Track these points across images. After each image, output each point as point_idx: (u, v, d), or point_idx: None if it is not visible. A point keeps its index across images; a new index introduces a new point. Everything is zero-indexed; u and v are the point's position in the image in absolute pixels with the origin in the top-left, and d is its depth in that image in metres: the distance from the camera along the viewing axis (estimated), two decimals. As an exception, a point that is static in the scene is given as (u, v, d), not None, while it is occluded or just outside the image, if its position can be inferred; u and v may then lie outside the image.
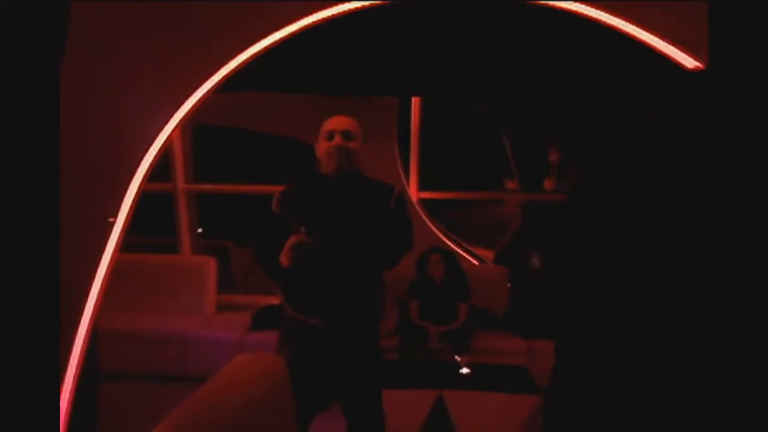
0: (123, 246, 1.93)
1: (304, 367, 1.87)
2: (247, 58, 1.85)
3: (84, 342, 1.94)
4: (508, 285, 4.13)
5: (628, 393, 1.23)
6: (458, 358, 3.30)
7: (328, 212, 1.95)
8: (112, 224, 1.74)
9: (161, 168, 4.62)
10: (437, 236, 4.53)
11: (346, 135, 1.99)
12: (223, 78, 1.80)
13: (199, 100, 1.76)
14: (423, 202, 4.64)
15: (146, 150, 1.79)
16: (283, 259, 1.84)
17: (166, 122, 1.74)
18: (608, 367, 1.28)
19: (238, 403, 1.24)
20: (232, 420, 1.18)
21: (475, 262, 4.56)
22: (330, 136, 1.99)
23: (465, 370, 3.21)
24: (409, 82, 3.55)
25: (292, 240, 1.83)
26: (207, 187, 4.89)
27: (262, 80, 3.15)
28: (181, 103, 1.74)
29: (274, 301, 3.83)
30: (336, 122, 2.01)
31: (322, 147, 2.01)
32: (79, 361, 1.93)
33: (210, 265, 4.37)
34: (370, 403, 2.00)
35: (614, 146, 1.36)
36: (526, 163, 5.57)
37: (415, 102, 4.53)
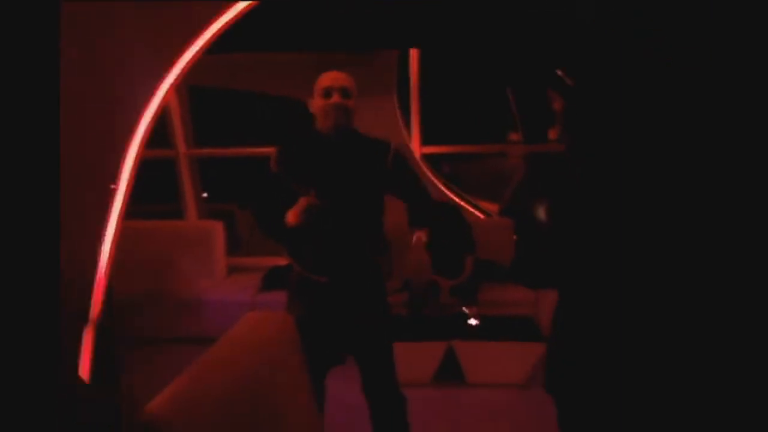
0: (129, 214, 1.94)
1: (314, 323, 1.90)
2: (237, 14, 1.80)
3: (98, 309, 1.97)
4: (514, 237, 4.14)
5: (628, 340, 1.24)
6: (466, 310, 3.35)
7: (327, 171, 1.94)
8: (114, 191, 1.75)
9: (162, 134, 4.60)
10: (441, 191, 4.52)
11: (344, 92, 1.94)
12: (213, 36, 1.76)
13: (190, 60, 1.72)
14: (426, 157, 4.61)
15: (142, 114, 1.77)
16: (291, 219, 1.85)
17: (158, 85, 1.71)
18: (608, 314, 1.29)
19: (247, 359, 1.27)
20: (243, 376, 1.21)
21: (480, 215, 4.56)
22: (327, 93, 1.94)
23: (473, 322, 3.26)
24: (405, 34, 3.46)
25: (304, 202, 1.83)
26: (208, 151, 4.87)
27: (255, 39, 3.08)
28: (173, 64, 1.70)
29: (282, 261, 3.88)
30: (333, 78, 1.95)
31: (318, 104, 1.96)
32: (95, 328, 1.97)
33: (217, 229, 4.40)
34: (382, 355, 2.04)
35: (616, 98, 1.33)
36: (530, 114, 5.49)
37: (413, 55, 4.44)
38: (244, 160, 4.94)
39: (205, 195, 5.17)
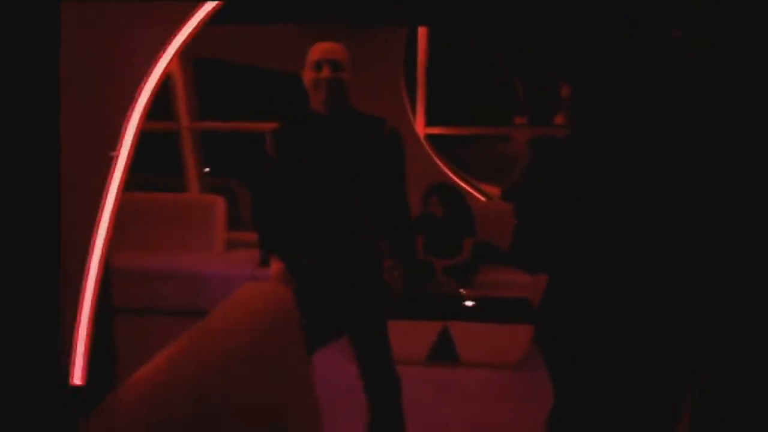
0: (131, 185, 1.94)
1: (307, 303, 1.91)
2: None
3: (96, 279, 1.98)
4: (514, 221, 4.14)
5: (618, 323, 1.26)
6: (463, 291, 3.37)
7: (320, 151, 1.90)
8: (115, 158, 1.75)
9: (166, 107, 4.58)
10: (444, 172, 4.51)
11: (335, 65, 1.85)
12: (216, 6, 1.73)
13: (193, 30, 1.70)
14: (430, 137, 4.59)
15: (144, 82, 1.76)
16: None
17: (161, 53, 1.70)
18: (601, 296, 1.30)
19: (242, 329, 1.28)
20: (237, 345, 1.22)
21: (481, 198, 4.56)
22: (318, 66, 1.86)
23: (469, 303, 3.28)
24: (415, 11, 3.42)
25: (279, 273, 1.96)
26: (211, 124, 4.85)
27: (263, 10, 3.05)
28: (175, 34, 1.68)
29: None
30: (323, 50, 1.87)
31: (308, 77, 1.89)
32: (92, 298, 1.98)
33: (218, 204, 4.41)
34: (376, 335, 2.04)
35: (621, 79, 1.33)
36: (536, 99, 5.45)
37: (422, 34, 4.39)
38: (247, 136, 4.92)
39: (207, 169, 5.18)
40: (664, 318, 1.21)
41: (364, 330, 2.03)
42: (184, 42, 1.66)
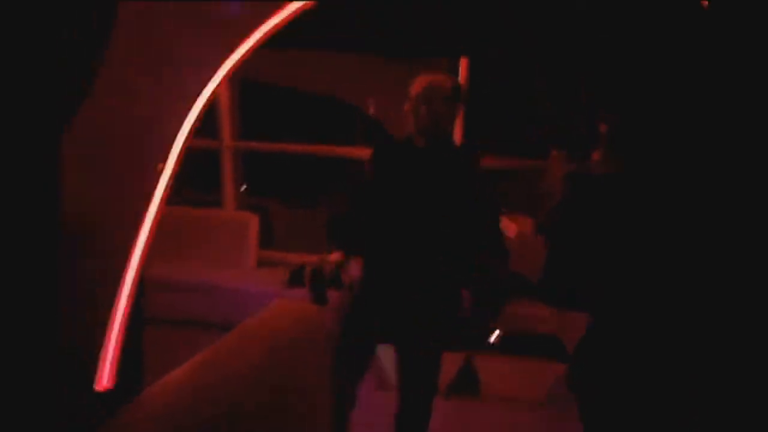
0: (170, 199, 2.00)
1: (357, 316, 1.89)
2: (295, 12, 1.85)
3: (131, 288, 2.03)
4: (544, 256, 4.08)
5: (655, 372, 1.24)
6: (490, 323, 3.32)
7: (410, 180, 1.92)
8: (161, 171, 1.81)
9: (209, 125, 4.72)
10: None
11: (430, 98, 1.90)
12: (269, 31, 1.81)
13: (245, 53, 1.78)
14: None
15: (194, 101, 1.84)
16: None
17: (213, 75, 1.78)
18: (642, 334, 1.28)
19: (266, 342, 1.30)
20: (259, 358, 1.23)
21: (513, 229, 4.52)
22: (416, 97, 1.92)
23: (495, 335, 3.24)
24: (456, 43, 3.48)
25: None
26: (252, 144, 4.96)
27: (309, 37, 3.14)
28: (228, 56, 1.76)
29: (312, 259, 3.91)
30: (421, 81, 1.92)
31: (407, 106, 1.95)
32: (126, 306, 2.03)
33: (252, 222, 4.48)
34: (429, 370, 2.02)
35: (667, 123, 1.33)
36: (574, 133, 5.41)
37: (462, 65, 4.44)
38: (287, 157, 5.00)
39: (243, 187, 5.28)
40: (709, 370, 1.18)
41: (418, 362, 2.00)
42: (236, 64, 1.73)
